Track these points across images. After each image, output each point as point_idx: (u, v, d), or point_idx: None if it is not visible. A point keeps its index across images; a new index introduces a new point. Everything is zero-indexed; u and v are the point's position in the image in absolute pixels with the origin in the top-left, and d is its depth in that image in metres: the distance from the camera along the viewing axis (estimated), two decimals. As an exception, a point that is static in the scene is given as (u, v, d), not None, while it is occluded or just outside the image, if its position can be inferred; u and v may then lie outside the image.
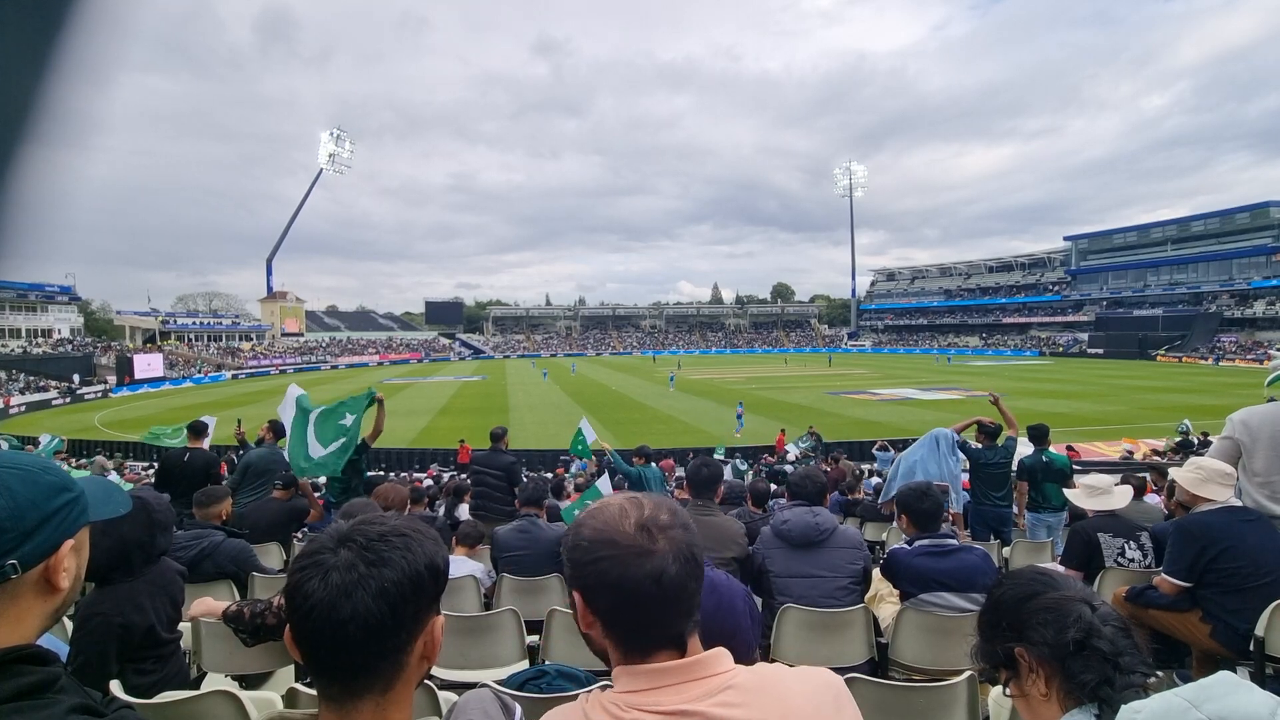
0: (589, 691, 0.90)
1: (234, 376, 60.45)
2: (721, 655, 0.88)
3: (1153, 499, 5.46)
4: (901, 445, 17.61)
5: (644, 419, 27.32)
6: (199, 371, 58.78)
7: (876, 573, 3.15)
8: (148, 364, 54.07)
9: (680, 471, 14.08)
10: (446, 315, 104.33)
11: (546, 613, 2.90)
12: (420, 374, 59.48)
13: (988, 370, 51.06)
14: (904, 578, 2.87)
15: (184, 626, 2.45)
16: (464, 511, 6.65)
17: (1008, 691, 1.16)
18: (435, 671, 2.72)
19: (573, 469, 14.93)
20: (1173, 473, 3.69)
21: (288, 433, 5.69)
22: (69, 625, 2.35)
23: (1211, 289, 66.46)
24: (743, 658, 0.95)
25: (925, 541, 2.88)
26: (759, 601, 2.85)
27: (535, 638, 2.95)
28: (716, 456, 15.52)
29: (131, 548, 2.13)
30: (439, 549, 0.85)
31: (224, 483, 5.67)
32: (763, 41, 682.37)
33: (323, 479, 6.44)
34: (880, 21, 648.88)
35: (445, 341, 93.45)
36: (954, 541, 2.89)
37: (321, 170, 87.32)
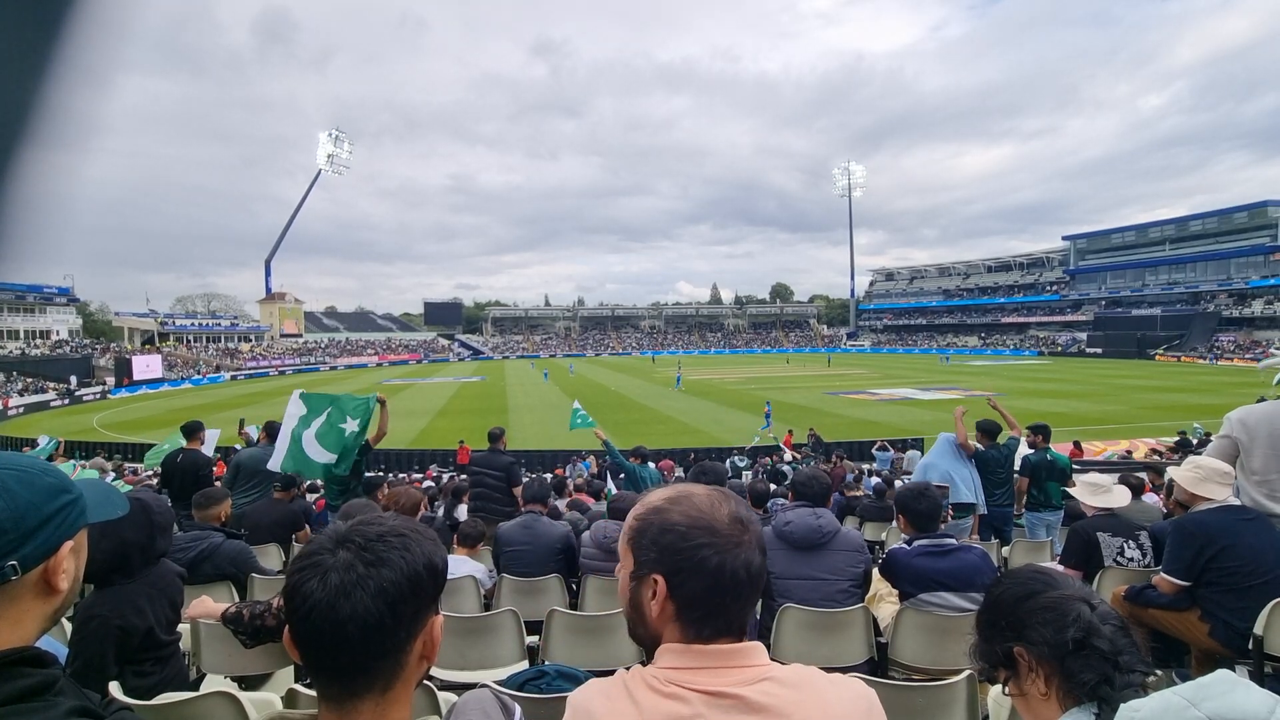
0: (628, 667, 0.91)
1: (233, 378, 60.36)
2: (759, 648, 0.90)
3: (1151, 498, 5.46)
4: (901, 445, 17.70)
5: (643, 419, 27.30)
6: (198, 373, 58.74)
7: (876, 572, 3.15)
8: (146, 365, 54.00)
9: (680, 472, 14.07)
10: (445, 316, 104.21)
11: (546, 613, 2.91)
12: (419, 375, 59.37)
13: (986, 370, 51.05)
14: (903, 577, 2.87)
15: (183, 628, 2.45)
16: (463, 512, 6.64)
17: (1007, 691, 1.16)
18: (435, 672, 2.72)
19: (573, 469, 14.91)
20: (1171, 472, 3.70)
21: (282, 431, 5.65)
22: (68, 627, 2.34)
23: (1209, 288, 66.49)
24: None
25: (924, 541, 2.88)
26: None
27: (535, 638, 2.95)
28: (739, 461, 15.55)
29: (131, 549, 2.13)
30: (437, 549, 0.85)
31: (219, 483, 5.65)
32: (761, 42, 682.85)
33: (321, 480, 6.42)
34: (878, 22, 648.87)
35: (444, 342, 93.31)
36: (953, 541, 2.89)
37: (320, 171, 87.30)
